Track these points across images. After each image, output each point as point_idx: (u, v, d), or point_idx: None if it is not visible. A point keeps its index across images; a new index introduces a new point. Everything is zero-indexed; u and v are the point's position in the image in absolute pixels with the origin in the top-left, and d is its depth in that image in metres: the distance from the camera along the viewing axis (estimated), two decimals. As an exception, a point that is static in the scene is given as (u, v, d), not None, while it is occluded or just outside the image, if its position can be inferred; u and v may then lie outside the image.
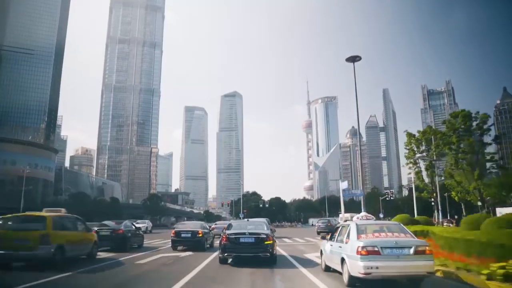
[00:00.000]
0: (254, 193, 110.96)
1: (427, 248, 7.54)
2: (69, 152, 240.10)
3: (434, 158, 30.27)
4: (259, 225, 12.59)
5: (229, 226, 12.62)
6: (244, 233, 11.31)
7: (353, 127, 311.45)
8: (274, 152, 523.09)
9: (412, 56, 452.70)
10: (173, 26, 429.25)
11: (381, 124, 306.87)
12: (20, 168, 66.37)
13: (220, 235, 13.44)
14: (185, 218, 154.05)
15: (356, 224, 8.39)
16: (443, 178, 35.75)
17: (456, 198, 36.66)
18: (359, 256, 7.33)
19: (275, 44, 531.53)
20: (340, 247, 8.50)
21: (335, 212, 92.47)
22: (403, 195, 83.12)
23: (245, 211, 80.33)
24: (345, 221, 13.24)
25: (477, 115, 28.75)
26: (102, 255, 13.98)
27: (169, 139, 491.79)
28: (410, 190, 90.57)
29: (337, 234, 9.24)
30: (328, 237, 10.14)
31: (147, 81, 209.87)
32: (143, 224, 38.12)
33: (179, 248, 16.93)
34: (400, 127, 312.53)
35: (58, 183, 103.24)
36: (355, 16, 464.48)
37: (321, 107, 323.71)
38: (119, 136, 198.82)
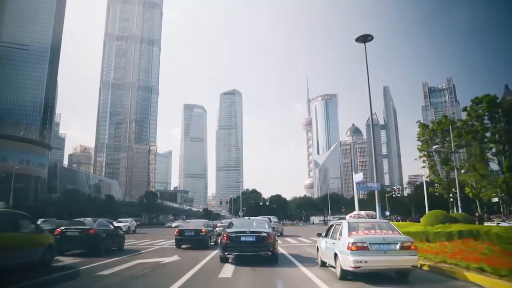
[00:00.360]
0: (254, 191, 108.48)
1: (412, 244, 8.11)
2: (69, 150, 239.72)
3: (453, 149, 27.42)
4: (260, 224, 12.37)
5: (230, 225, 12.55)
6: (245, 232, 11.20)
7: (353, 124, 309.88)
8: (274, 150, 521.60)
9: (413, 53, 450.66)
10: (171, 23, 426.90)
11: (381, 122, 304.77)
12: (10, 164, 63.46)
13: None
14: (184, 217, 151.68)
15: (348, 222, 8.97)
16: (463, 171, 32.74)
17: (470, 194, 34.05)
18: (349, 251, 7.90)
19: (274, 41, 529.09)
20: (334, 243, 8.99)
21: (337, 210, 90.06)
22: (405, 192, 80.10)
23: (244, 209, 78.08)
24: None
25: (503, 100, 25.86)
26: (65, 261, 11.58)
27: (168, 137, 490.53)
28: (416, 187, 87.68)
29: (331, 232, 9.73)
30: (324, 234, 10.53)
31: (145, 78, 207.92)
32: (124, 223, 34.48)
33: (183, 246, 16.92)
34: (401, 125, 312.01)
35: (53, 180, 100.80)
36: (355, 14, 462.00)
37: (321, 104, 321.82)
38: (117, 133, 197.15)
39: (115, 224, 24.96)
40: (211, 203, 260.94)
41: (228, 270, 9.86)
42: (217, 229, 21.97)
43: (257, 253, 10.92)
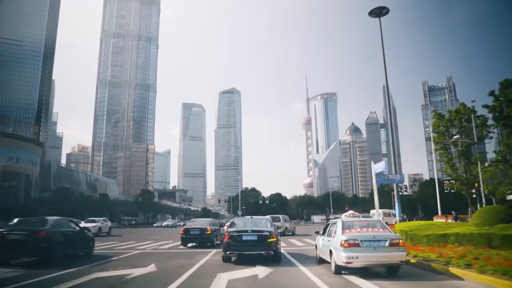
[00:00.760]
0: (253, 189, 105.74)
1: (400, 241, 8.62)
2: (68, 150, 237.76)
3: (475, 140, 24.62)
4: (262, 223, 12.21)
5: (232, 224, 12.56)
6: (246, 231, 11.14)
7: (352, 123, 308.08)
8: (273, 149, 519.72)
9: (413, 52, 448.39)
10: (169, 22, 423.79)
11: (381, 121, 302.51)
12: (-2, 161, 60.28)
13: None
14: (182, 216, 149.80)
15: (342, 221, 9.52)
16: (487, 164, 29.82)
17: (486, 191, 31.36)
18: (342, 248, 8.42)
19: (273, 40, 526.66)
20: (329, 240, 9.56)
21: (339, 208, 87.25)
22: (409, 191, 76.37)
23: (243, 207, 75.47)
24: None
25: None
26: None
27: (167, 136, 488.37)
28: (421, 184, 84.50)
29: (328, 230, 10.22)
30: (321, 232, 11.01)
31: (143, 76, 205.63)
32: (94, 223, 28.62)
33: (189, 245, 17.13)
34: (401, 123, 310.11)
35: (47, 179, 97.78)
36: (355, 12, 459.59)
37: (320, 103, 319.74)
38: (115, 132, 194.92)
39: (83, 224, 21.99)
40: (210, 202, 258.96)
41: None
42: (225, 227, 20.40)
43: (259, 253, 10.76)
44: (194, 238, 17.03)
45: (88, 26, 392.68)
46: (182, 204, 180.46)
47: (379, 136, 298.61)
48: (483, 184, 30.72)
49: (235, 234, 11.05)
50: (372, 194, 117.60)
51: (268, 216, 17.43)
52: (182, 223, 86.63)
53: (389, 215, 39.62)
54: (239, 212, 71.56)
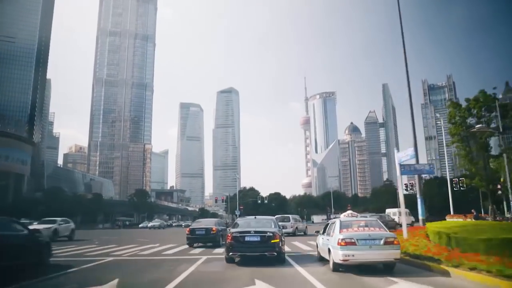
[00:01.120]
0: (252, 189, 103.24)
1: (394, 239, 8.93)
2: (65, 150, 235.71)
3: (500, 130, 22.09)
4: (266, 223, 12.05)
5: (235, 224, 12.47)
6: (249, 232, 10.96)
7: (351, 123, 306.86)
8: (272, 149, 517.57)
9: (413, 50, 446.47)
10: (166, 21, 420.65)
11: (380, 120, 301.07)
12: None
13: None
14: (179, 216, 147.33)
15: (340, 221, 9.97)
16: None
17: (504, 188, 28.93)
18: (339, 246, 8.79)
19: (272, 39, 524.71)
20: (328, 239, 9.94)
21: (340, 208, 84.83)
22: (411, 189, 72.89)
23: (241, 207, 73.06)
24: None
25: None
26: None
27: (165, 136, 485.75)
28: (426, 182, 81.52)
29: (327, 229, 10.59)
30: (321, 231, 11.38)
31: (140, 75, 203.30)
32: (46, 225, 22.57)
33: (195, 245, 17.27)
34: (400, 123, 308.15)
35: (39, 179, 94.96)
36: (354, 11, 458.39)
37: (319, 102, 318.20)
38: (111, 132, 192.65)
39: (34, 226, 19.24)
40: (208, 202, 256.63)
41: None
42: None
43: (262, 254, 10.63)
44: (200, 238, 17.33)
45: (85, 24, 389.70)
46: (180, 205, 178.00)
47: (378, 136, 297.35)
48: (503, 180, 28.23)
49: (238, 234, 10.89)
50: (373, 193, 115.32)
51: (288, 216, 17.77)
52: (182, 224, 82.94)
53: (404, 214, 38.23)
54: (237, 212, 69.41)
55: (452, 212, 34.78)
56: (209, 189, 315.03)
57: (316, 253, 11.93)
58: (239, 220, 13.18)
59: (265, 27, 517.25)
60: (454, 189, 39.83)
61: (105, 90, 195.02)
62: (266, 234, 10.72)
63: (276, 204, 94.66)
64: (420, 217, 14.18)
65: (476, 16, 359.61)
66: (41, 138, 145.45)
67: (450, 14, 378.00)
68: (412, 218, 39.21)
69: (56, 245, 15.88)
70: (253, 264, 10.22)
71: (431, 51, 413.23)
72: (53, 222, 24.16)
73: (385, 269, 9.15)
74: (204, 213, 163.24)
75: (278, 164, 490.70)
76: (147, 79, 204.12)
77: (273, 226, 11.56)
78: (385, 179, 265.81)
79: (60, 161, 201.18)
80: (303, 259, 11.84)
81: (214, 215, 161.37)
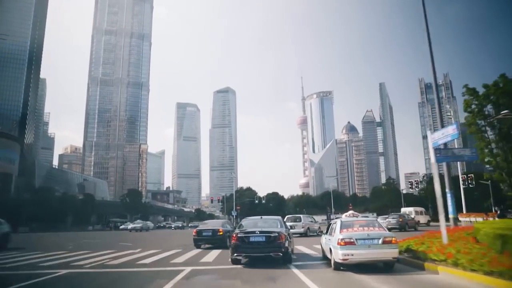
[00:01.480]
0: (249, 189, 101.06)
1: (393, 238, 9.20)
2: (60, 151, 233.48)
3: None
4: (272, 223, 11.88)
5: (240, 225, 12.29)
6: (254, 232, 10.78)
7: (349, 122, 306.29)
8: (269, 149, 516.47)
9: (409, 49, 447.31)
10: (163, 20, 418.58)
11: (377, 119, 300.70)
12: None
13: None
14: (176, 218, 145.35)
15: (341, 221, 10.33)
16: None
17: None
18: (339, 246, 9.14)
19: (268, 39, 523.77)
20: (329, 239, 10.28)
21: (339, 208, 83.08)
22: (416, 187, 71.23)
23: (238, 208, 71.22)
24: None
25: None
26: None
27: (162, 137, 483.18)
28: (430, 180, 79.69)
29: (330, 229, 10.93)
30: (325, 231, 11.90)
31: (135, 74, 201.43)
32: None
33: (203, 246, 17.37)
34: (397, 122, 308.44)
35: (30, 179, 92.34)
36: (351, 10, 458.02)
37: (316, 102, 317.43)
38: (107, 132, 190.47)
39: None
40: (205, 203, 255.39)
41: None
42: None
43: (267, 254, 10.49)
44: (207, 240, 17.49)
45: (81, 22, 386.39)
46: (175, 205, 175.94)
47: (375, 135, 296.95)
48: None
49: (243, 235, 10.78)
50: (374, 192, 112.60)
51: (300, 216, 18.01)
52: (172, 225, 79.77)
53: (420, 213, 37.58)
54: (233, 213, 67.68)
55: (464, 211, 33.00)
56: (206, 190, 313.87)
57: (321, 252, 12.32)
58: (245, 221, 12.88)
59: (261, 27, 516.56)
60: (463, 186, 38.59)
61: (100, 90, 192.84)
62: (271, 234, 10.58)
63: (274, 204, 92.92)
64: (451, 216, 12.12)
65: (473, 15, 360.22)
66: (34, 138, 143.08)
67: (447, 12, 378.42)
68: (428, 217, 38.24)
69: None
70: (253, 270, 9.74)
71: (428, 49, 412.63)
72: None
73: (385, 267, 9.50)
74: (200, 214, 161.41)
75: (275, 165, 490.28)
76: (143, 78, 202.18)
77: (279, 226, 11.43)
78: (383, 178, 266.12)
79: (55, 162, 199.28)
80: (305, 258, 12.14)
81: (210, 216, 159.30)
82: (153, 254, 15.01)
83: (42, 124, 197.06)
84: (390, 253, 9.05)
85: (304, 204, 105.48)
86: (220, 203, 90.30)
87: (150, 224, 63.43)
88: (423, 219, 36.41)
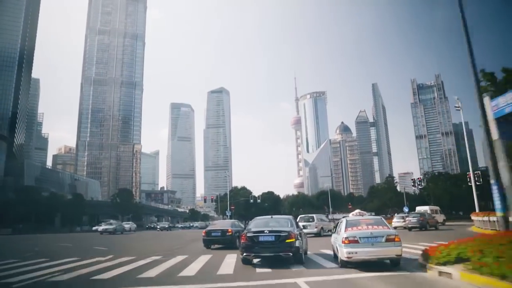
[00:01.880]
0: (243, 188, 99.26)
1: (395, 236, 9.43)
2: (54, 151, 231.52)
3: None
4: (283, 222, 11.67)
5: (250, 224, 12.22)
6: (263, 231, 10.73)
7: (342, 122, 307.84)
8: (264, 149, 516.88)
9: (402, 50, 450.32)
10: (157, 21, 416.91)
11: (371, 119, 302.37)
12: None
13: None
14: (170, 218, 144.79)
15: (346, 220, 10.72)
16: None
17: None
18: (344, 244, 9.47)
19: (262, 39, 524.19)
20: (336, 238, 10.65)
21: (337, 208, 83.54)
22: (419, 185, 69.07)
23: (232, 207, 70.88)
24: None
25: None
26: None
27: (156, 138, 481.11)
28: (432, 177, 78.21)
29: (337, 228, 11.23)
30: (334, 230, 12.02)
31: (129, 74, 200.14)
32: None
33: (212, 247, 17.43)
34: (391, 122, 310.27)
35: (18, 178, 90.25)
36: (344, 11, 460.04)
37: (310, 102, 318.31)
38: (100, 131, 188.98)
39: None
40: (200, 203, 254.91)
41: None
42: None
43: (277, 254, 10.47)
44: (216, 240, 17.71)
45: (74, 22, 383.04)
46: (169, 206, 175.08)
47: (369, 135, 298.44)
48: None
49: (252, 234, 10.74)
50: (371, 191, 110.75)
51: (313, 215, 18.11)
52: (158, 226, 72.02)
53: (436, 212, 37.03)
54: (228, 213, 66.67)
55: (477, 210, 31.95)
56: (200, 190, 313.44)
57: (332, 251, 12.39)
58: (255, 220, 12.71)
59: (255, 28, 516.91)
60: (469, 184, 37.32)
61: (94, 89, 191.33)
62: (281, 234, 10.50)
63: (270, 204, 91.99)
64: (499, 214, 9.97)
65: (465, 16, 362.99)
66: (25, 138, 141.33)
67: (438, 13, 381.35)
68: (443, 216, 37.80)
69: None
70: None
71: (420, 50, 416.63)
72: None
73: (391, 264, 9.82)
74: (194, 214, 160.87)
75: (269, 165, 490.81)
76: (136, 78, 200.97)
77: (289, 225, 11.28)
78: (377, 178, 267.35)
79: (49, 162, 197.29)
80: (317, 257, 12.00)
81: (205, 216, 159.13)
82: (123, 263, 12.29)
83: (35, 124, 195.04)
84: (393, 250, 9.26)
85: (300, 203, 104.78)
86: (214, 203, 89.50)
87: (127, 225, 55.89)
88: (439, 218, 35.97)
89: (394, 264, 9.74)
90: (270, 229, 10.83)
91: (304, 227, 22.49)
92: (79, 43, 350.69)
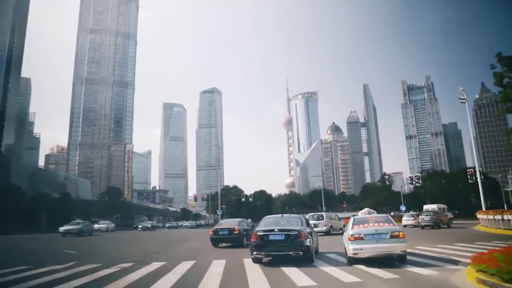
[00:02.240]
0: (235, 187, 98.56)
1: (400, 233, 9.75)
2: (47, 151, 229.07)
3: None
4: (294, 221, 11.80)
5: (260, 223, 12.24)
6: (273, 230, 10.72)
7: (333, 123, 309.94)
8: (255, 149, 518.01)
9: (392, 51, 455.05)
10: (149, 21, 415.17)
11: (362, 120, 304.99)
12: None
13: None
14: (161, 217, 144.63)
15: (353, 218, 11.07)
16: None
17: None
18: (350, 241, 9.89)
19: (254, 41, 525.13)
20: (344, 235, 11.14)
21: (330, 207, 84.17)
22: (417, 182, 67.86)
23: (223, 206, 70.67)
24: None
25: None
26: None
27: (149, 137, 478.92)
28: (429, 175, 77.92)
29: (346, 226, 11.69)
30: (344, 228, 13.09)
31: (121, 73, 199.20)
32: None
33: (220, 245, 17.79)
34: (381, 122, 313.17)
35: (4, 178, 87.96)
36: (336, 12, 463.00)
37: (301, 102, 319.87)
38: (92, 131, 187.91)
39: None
40: (192, 203, 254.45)
41: None
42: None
43: (287, 253, 10.44)
44: (223, 239, 18.00)
45: (66, 21, 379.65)
46: (161, 205, 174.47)
47: (360, 135, 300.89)
48: None
49: (262, 233, 10.73)
50: (365, 191, 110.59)
51: (326, 213, 18.05)
52: (139, 226, 63.70)
53: (444, 210, 36.61)
54: (219, 212, 66.61)
55: (484, 208, 31.57)
56: (192, 190, 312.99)
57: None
58: (265, 218, 12.68)
59: (247, 28, 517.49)
60: (470, 181, 37.73)
61: (86, 88, 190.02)
62: (291, 233, 10.46)
63: (262, 203, 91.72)
64: None
65: (454, 19, 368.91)
66: (15, 138, 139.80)
67: (429, 16, 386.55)
68: (450, 215, 36.74)
69: None
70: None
71: (411, 52, 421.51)
72: None
73: (398, 260, 10.01)
74: (186, 213, 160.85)
75: (261, 165, 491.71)
76: (128, 77, 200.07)
77: (300, 224, 11.31)
78: (367, 177, 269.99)
79: (41, 162, 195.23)
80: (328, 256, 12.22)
81: (197, 215, 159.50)
82: (82, 273, 9.72)
83: (27, 124, 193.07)
84: (397, 247, 9.55)
85: (292, 202, 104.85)
86: (205, 202, 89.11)
87: (104, 225, 50.47)
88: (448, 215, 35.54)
89: (401, 260, 9.93)
90: (280, 227, 10.76)
91: (314, 225, 21.68)
92: (71, 42, 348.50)
